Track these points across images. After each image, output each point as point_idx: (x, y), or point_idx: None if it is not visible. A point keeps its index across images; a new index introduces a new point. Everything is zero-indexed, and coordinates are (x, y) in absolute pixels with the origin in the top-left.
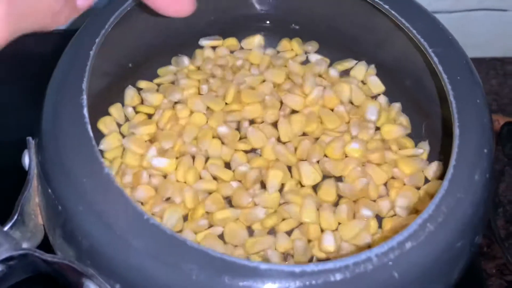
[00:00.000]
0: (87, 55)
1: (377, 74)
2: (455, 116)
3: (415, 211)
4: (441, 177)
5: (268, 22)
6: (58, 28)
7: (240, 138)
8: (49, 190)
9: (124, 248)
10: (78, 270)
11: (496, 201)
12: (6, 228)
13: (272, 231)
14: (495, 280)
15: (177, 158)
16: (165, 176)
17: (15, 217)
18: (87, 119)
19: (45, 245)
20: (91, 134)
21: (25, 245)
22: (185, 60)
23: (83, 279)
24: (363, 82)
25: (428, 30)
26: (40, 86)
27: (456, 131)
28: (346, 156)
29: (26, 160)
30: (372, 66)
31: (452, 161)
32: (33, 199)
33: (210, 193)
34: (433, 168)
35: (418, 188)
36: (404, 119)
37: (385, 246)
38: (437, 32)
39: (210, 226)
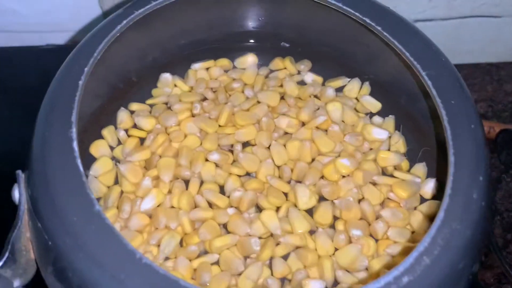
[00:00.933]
0: (75, 85)
1: (371, 92)
2: (450, 143)
3: (410, 232)
4: (437, 195)
5: (258, 40)
6: (52, 44)
7: (234, 161)
8: (40, 226)
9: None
10: None
11: (493, 209)
12: None
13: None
14: None
15: (170, 181)
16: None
17: (6, 255)
18: (77, 153)
19: (39, 279)
20: (81, 169)
21: (16, 283)
22: (168, 77)
23: None
24: (357, 99)
25: (421, 52)
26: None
27: (451, 159)
28: (342, 177)
29: (16, 195)
30: (367, 83)
31: (448, 190)
32: (24, 234)
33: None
34: (429, 187)
35: (414, 208)
36: (400, 142)
37: (382, 281)
38: (430, 54)
39: (204, 253)
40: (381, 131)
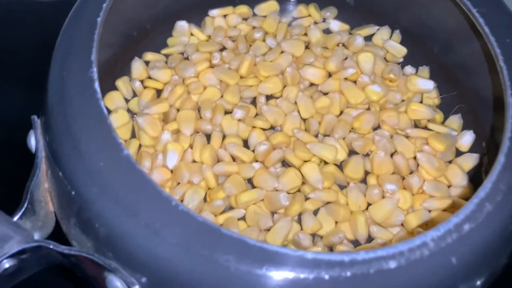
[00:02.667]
0: (94, 23)
1: (402, 41)
2: (507, 84)
3: (447, 186)
4: (473, 149)
5: None
6: None
7: (257, 114)
8: (61, 174)
9: (151, 238)
10: (98, 263)
11: None
12: (15, 219)
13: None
14: None
15: (191, 135)
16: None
17: (25, 205)
18: (99, 95)
19: (58, 233)
20: (106, 111)
21: (36, 235)
22: (184, 25)
23: (105, 273)
24: (385, 49)
25: None
26: (40, 57)
27: (509, 100)
28: (373, 129)
29: (32, 142)
30: (397, 32)
31: (507, 133)
32: (43, 184)
33: (228, 175)
34: (466, 140)
35: (450, 162)
36: (434, 95)
37: (441, 229)
38: None
39: (229, 208)
40: (427, 82)
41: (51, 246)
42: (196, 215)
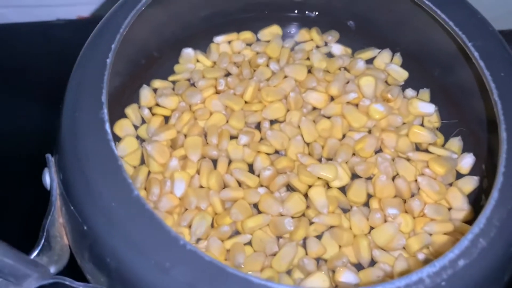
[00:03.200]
0: (103, 64)
1: (402, 63)
2: (501, 118)
3: (447, 209)
4: (473, 171)
5: (282, 10)
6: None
7: (261, 138)
8: (74, 211)
9: (161, 277)
10: None
11: None
12: (33, 256)
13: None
14: None
15: (198, 161)
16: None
17: (41, 243)
18: (110, 136)
19: (74, 266)
20: (116, 152)
21: (52, 269)
22: (190, 52)
23: None
24: (386, 72)
25: (467, 22)
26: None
27: (503, 135)
28: (375, 153)
29: (47, 180)
30: (398, 54)
31: (501, 168)
32: (57, 220)
33: (235, 201)
34: (466, 162)
35: (450, 184)
36: (434, 116)
37: (437, 265)
38: (476, 24)
39: (236, 233)
40: (428, 105)
41: (67, 282)
42: (203, 255)
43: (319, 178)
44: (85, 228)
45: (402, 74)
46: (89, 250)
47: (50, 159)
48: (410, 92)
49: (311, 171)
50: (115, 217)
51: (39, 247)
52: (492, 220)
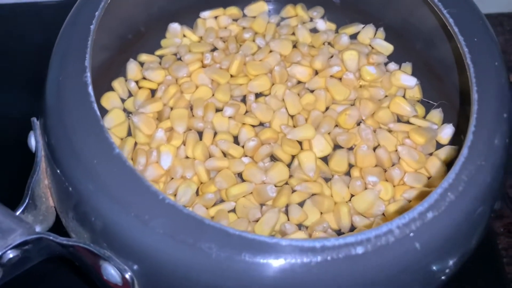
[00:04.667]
0: (87, 30)
1: (386, 38)
2: (473, 81)
3: (427, 178)
4: (453, 141)
5: None
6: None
7: (246, 111)
8: (59, 172)
9: (141, 229)
10: (94, 252)
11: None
12: (18, 213)
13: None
14: (503, 239)
15: (184, 132)
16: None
17: (26, 200)
18: (93, 98)
19: (58, 227)
20: (98, 113)
21: (38, 228)
22: (177, 27)
23: (100, 262)
24: (371, 46)
25: None
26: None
27: (475, 96)
28: (357, 125)
29: (32, 142)
30: (381, 29)
31: (471, 127)
32: (43, 181)
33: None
34: (445, 133)
35: (430, 154)
36: (416, 89)
37: (406, 217)
38: None
39: (220, 201)
40: (410, 78)
41: (51, 238)
42: (182, 208)
43: (301, 148)
44: (69, 187)
45: (388, 48)
46: (73, 209)
47: (36, 122)
48: (392, 66)
49: (291, 137)
50: (98, 175)
51: (24, 205)
52: (461, 176)
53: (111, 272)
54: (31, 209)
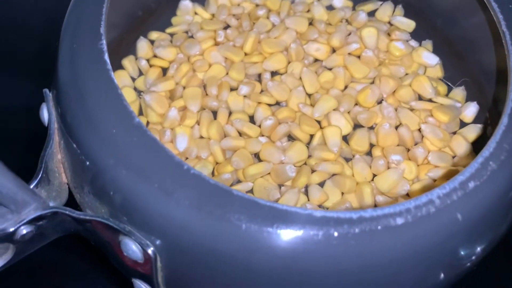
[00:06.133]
0: None
1: (404, 15)
2: (510, 48)
3: (451, 157)
4: (477, 120)
5: None
6: None
7: (262, 90)
8: (74, 145)
9: (165, 201)
10: (114, 227)
11: None
12: (32, 186)
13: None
14: None
15: (197, 112)
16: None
17: (40, 174)
18: (109, 66)
19: (72, 205)
20: (116, 81)
21: (51, 204)
22: (188, 4)
23: (120, 237)
24: (390, 24)
25: None
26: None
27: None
28: (378, 103)
29: (45, 115)
30: (400, 6)
31: (510, 96)
32: (56, 156)
33: (235, 150)
34: (470, 111)
35: (454, 133)
36: (438, 66)
37: (447, 187)
38: None
39: (237, 181)
40: (432, 56)
41: (67, 212)
42: (208, 178)
43: (321, 127)
44: (86, 160)
45: (410, 24)
46: (90, 183)
47: (48, 94)
48: (413, 43)
49: (318, 115)
50: (117, 146)
51: (38, 178)
52: (503, 144)
53: (132, 248)
54: (45, 184)
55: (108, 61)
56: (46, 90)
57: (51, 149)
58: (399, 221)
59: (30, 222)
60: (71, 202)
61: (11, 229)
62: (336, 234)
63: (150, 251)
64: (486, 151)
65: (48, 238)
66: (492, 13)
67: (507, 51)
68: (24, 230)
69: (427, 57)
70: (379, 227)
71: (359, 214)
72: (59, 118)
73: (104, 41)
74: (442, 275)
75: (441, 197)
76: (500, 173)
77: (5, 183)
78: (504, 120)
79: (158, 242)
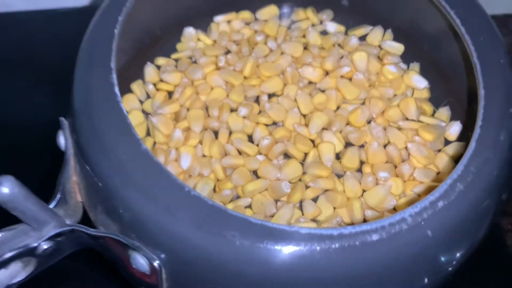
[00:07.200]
0: (111, 34)
1: (393, 39)
2: (480, 78)
3: (435, 173)
4: (461, 138)
5: None
6: (79, 5)
7: (260, 111)
8: (88, 168)
9: (169, 220)
10: (123, 242)
11: None
12: (51, 206)
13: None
14: (511, 236)
15: (200, 132)
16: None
17: (58, 195)
18: (119, 98)
19: (86, 222)
20: (125, 112)
21: (68, 222)
22: (192, 31)
23: (129, 251)
24: (380, 47)
25: None
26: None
27: (481, 92)
28: (368, 123)
29: (61, 141)
30: (389, 31)
31: (479, 122)
32: (71, 178)
33: (235, 168)
34: (453, 130)
35: (439, 151)
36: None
37: (418, 206)
38: None
39: (237, 197)
40: (421, 79)
41: (83, 230)
42: (206, 199)
43: (314, 146)
44: (98, 182)
45: (399, 48)
46: (102, 202)
47: (64, 122)
48: (401, 65)
49: (314, 132)
50: (126, 170)
51: (56, 199)
52: (470, 168)
53: (140, 261)
54: (62, 204)
55: (118, 93)
56: (62, 119)
57: (67, 172)
58: (375, 237)
59: (50, 239)
60: (85, 219)
61: (34, 245)
62: (318, 248)
63: (156, 264)
64: (454, 174)
65: (65, 252)
66: (465, 45)
67: (477, 82)
68: (44, 246)
69: (417, 80)
70: (357, 243)
71: (339, 231)
72: (75, 144)
73: (114, 75)
74: (426, 279)
75: (412, 215)
76: (467, 194)
77: (30, 206)
78: (472, 145)
79: (163, 256)
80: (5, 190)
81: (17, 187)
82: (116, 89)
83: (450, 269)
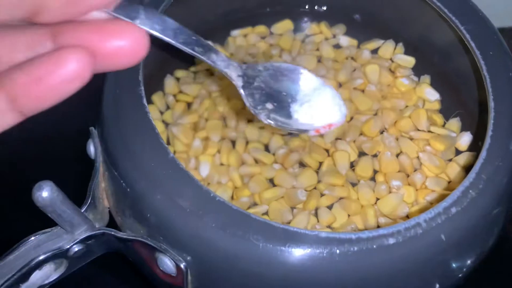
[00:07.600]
0: None
1: (404, 52)
2: (489, 90)
3: (447, 182)
4: (471, 148)
5: (294, 6)
6: None
7: None
8: (117, 175)
9: (195, 224)
10: (151, 245)
11: None
12: (83, 210)
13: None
14: None
15: (218, 141)
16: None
17: (89, 200)
18: (147, 109)
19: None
20: (153, 122)
21: (97, 225)
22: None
23: (157, 254)
24: (392, 60)
25: (458, 7)
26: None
27: (491, 104)
28: (380, 133)
29: (91, 149)
30: (400, 44)
31: (489, 132)
32: (100, 184)
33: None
34: (464, 140)
35: (449, 160)
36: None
37: (432, 212)
38: (467, 9)
39: (254, 204)
40: (433, 92)
41: (113, 233)
42: (231, 204)
43: (328, 155)
44: (127, 187)
45: (410, 61)
46: (130, 207)
47: (94, 131)
48: (413, 78)
49: (328, 141)
50: (154, 177)
51: (87, 204)
52: (481, 175)
53: (167, 263)
54: (92, 209)
55: (146, 104)
56: (92, 128)
57: (97, 179)
58: (391, 241)
59: (81, 241)
60: (111, 223)
61: (66, 247)
62: (338, 251)
63: (182, 265)
64: (466, 181)
65: (95, 254)
66: (476, 59)
67: (487, 94)
68: (76, 248)
69: (429, 93)
70: (374, 246)
71: (357, 235)
72: (104, 152)
73: (142, 87)
74: (437, 285)
75: (427, 220)
76: (478, 200)
77: (66, 210)
78: (483, 153)
79: (189, 258)
80: (45, 194)
81: (55, 191)
82: (144, 100)
83: (460, 275)
